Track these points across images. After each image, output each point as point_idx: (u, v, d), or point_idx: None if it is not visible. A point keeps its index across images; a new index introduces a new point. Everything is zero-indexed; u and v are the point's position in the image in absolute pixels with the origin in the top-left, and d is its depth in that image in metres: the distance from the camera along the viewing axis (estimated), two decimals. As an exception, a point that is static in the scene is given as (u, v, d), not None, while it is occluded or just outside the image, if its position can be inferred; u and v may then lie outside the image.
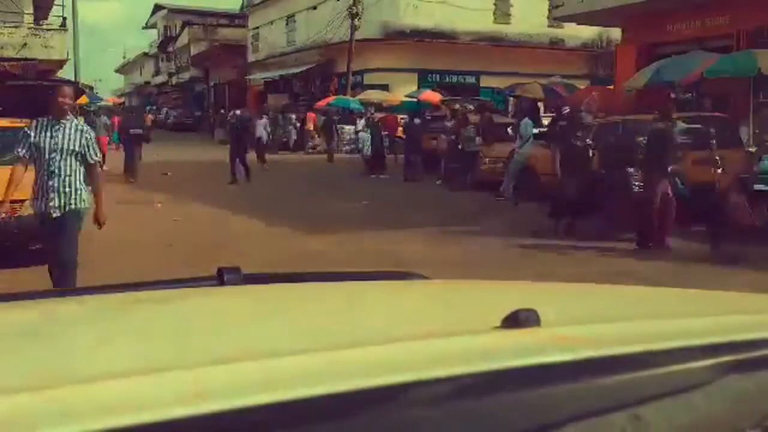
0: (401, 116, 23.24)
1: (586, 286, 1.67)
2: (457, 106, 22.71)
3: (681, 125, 9.94)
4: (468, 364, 0.74)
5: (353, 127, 26.40)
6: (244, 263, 1.49)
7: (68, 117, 5.83)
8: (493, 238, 9.62)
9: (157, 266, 7.56)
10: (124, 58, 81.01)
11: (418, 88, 29.28)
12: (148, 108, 47.99)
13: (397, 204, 13.46)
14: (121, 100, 60.49)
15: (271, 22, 41.93)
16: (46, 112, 5.87)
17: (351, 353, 0.77)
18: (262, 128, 23.21)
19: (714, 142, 9.95)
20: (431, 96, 26.00)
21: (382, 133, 20.76)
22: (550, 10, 22.79)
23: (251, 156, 19.14)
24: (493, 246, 9.18)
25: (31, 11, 23.92)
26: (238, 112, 21.38)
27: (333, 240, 9.64)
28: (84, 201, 5.88)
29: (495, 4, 32.13)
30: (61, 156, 5.71)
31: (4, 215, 7.49)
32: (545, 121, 20.27)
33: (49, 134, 5.71)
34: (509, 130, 16.64)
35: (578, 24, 22.59)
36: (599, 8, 16.95)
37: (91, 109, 25.80)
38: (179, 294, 1.39)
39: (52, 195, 5.73)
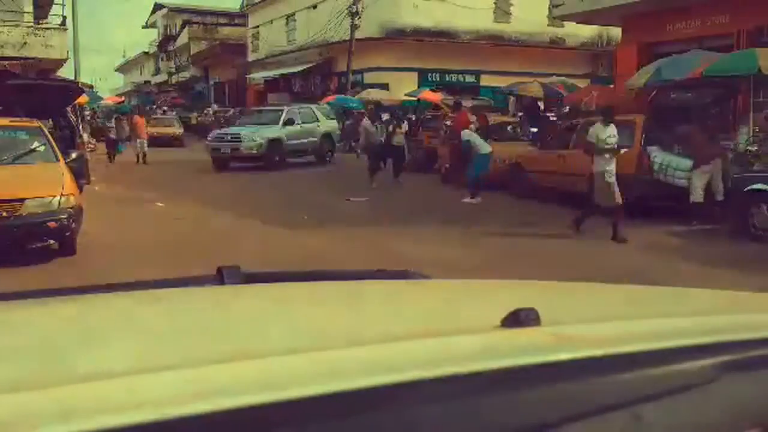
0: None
1: (586, 285, 1.67)
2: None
3: None
4: (468, 364, 0.74)
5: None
6: (244, 262, 1.49)
7: None
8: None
9: (156, 265, 7.55)
10: (123, 56, 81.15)
11: (419, 87, 29.26)
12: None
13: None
14: (121, 99, 60.49)
15: (271, 21, 41.95)
16: (46, 111, 5.90)
17: (351, 353, 0.77)
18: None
19: None
20: (431, 95, 25.97)
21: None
22: (550, 9, 22.76)
23: None
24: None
25: (31, 10, 23.91)
26: None
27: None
28: None
29: (495, 3, 32.10)
30: None
31: (4, 214, 7.49)
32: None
33: None
34: (509, 128, 16.98)
35: (578, 23, 22.59)
36: (599, 7, 16.95)
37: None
38: (179, 293, 1.38)
39: None
